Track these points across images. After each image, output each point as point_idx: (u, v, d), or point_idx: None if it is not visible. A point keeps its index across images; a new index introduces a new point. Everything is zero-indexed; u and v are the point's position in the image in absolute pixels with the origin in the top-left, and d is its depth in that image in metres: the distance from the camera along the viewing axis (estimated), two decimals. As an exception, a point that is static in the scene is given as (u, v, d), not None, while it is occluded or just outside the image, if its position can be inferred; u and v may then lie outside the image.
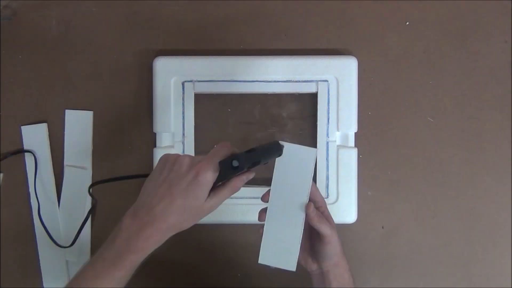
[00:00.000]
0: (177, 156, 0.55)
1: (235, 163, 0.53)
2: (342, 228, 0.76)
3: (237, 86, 0.74)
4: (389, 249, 0.76)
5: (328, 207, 0.73)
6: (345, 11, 0.76)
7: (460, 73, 0.76)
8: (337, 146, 0.74)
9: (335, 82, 0.73)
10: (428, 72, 0.76)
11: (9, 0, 0.75)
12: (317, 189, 0.61)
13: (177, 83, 0.74)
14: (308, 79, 0.74)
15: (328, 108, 0.74)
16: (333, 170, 0.74)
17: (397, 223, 0.76)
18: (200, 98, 0.75)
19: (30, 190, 0.75)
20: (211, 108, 0.76)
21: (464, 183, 0.76)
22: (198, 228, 0.72)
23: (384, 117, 0.76)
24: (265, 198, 0.60)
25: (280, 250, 0.60)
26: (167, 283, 0.76)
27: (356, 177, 0.74)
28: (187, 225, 0.56)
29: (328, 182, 0.74)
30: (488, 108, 0.76)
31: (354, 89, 0.74)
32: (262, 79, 0.74)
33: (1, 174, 0.75)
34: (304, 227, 0.59)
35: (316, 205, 0.59)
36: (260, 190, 0.74)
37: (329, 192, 0.74)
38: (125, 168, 0.76)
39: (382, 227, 0.76)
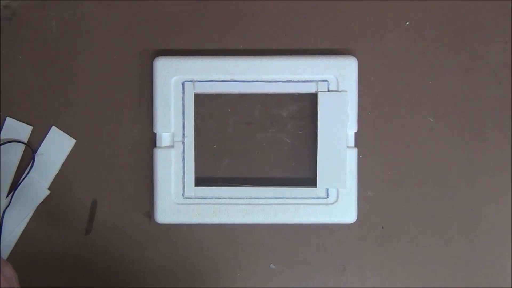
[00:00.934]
0: None
1: None
2: (342, 228, 0.76)
3: (237, 86, 0.74)
4: (389, 249, 0.76)
5: (328, 207, 0.74)
6: (345, 11, 0.76)
7: (460, 73, 0.76)
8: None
9: (335, 82, 0.74)
10: (428, 72, 0.76)
11: (9, 0, 0.75)
12: None
13: (177, 83, 0.74)
14: (308, 79, 0.74)
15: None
16: (333, 170, 0.74)
17: (397, 223, 0.76)
18: (200, 98, 0.75)
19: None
20: (211, 108, 0.76)
21: (464, 183, 0.76)
22: (198, 228, 0.73)
23: (384, 117, 0.76)
24: None
25: None
26: (167, 283, 0.76)
27: (356, 177, 0.74)
28: None
29: (328, 182, 0.74)
30: (488, 108, 0.76)
31: (354, 89, 0.74)
32: (262, 79, 0.74)
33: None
34: None
35: None
36: (260, 190, 0.74)
37: (329, 192, 0.74)
38: (125, 168, 0.76)
39: (382, 227, 0.76)
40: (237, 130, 0.76)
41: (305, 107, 0.76)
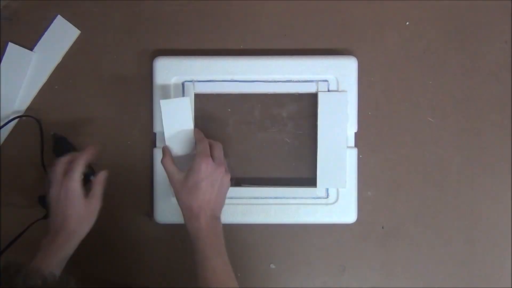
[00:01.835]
0: (52, 169, 0.66)
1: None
2: (342, 228, 0.76)
3: (237, 86, 0.74)
4: (389, 249, 0.76)
5: (328, 207, 0.74)
6: (345, 11, 0.76)
7: (460, 73, 0.76)
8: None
9: (335, 82, 0.74)
10: (428, 72, 0.76)
11: (9, 0, 0.75)
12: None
13: (177, 83, 0.74)
14: (308, 79, 0.74)
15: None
16: (333, 170, 0.74)
17: (397, 223, 0.76)
18: (200, 98, 0.75)
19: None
20: (211, 108, 0.76)
21: (464, 183, 0.76)
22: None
23: (384, 117, 0.76)
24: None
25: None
26: (167, 283, 0.76)
27: (356, 177, 0.74)
28: (84, 228, 0.66)
29: (328, 182, 0.74)
30: (488, 108, 0.76)
31: (354, 89, 0.74)
32: (262, 79, 0.74)
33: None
34: None
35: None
36: (260, 190, 0.74)
37: (329, 192, 0.74)
38: (125, 168, 0.76)
39: (382, 227, 0.76)
40: (237, 130, 0.76)
41: (305, 107, 0.76)
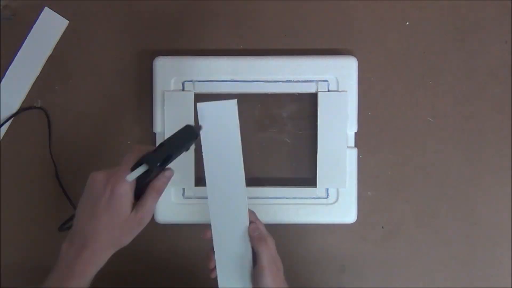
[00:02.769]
0: (93, 175, 0.54)
1: (144, 167, 0.51)
2: (342, 228, 0.76)
3: (237, 86, 0.74)
4: (389, 249, 0.76)
5: (328, 207, 0.74)
6: (345, 11, 0.76)
7: (460, 73, 0.76)
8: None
9: (335, 82, 0.73)
10: (428, 72, 0.76)
11: (9, 0, 0.75)
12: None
13: (177, 83, 0.74)
14: (308, 79, 0.74)
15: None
16: (333, 170, 0.74)
17: (397, 223, 0.76)
18: (200, 98, 0.74)
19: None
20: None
21: (464, 183, 0.76)
22: (198, 228, 0.72)
23: (384, 117, 0.76)
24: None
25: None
26: (167, 283, 0.76)
27: (356, 177, 0.74)
28: (124, 241, 0.55)
29: (328, 182, 0.74)
30: (488, 108, 0.76)
31: (354, 89, 0.74)
32: (262, 79, 0.74)
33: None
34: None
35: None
36: (260, 190, 0.74)
37: (329, 192, 0.74)
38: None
39: (382, 227, 0.76)
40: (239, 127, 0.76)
41: (305, 107, 0.76)
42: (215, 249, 0.59)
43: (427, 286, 0.76)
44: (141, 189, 0.53)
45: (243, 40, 0.76)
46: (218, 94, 0.75)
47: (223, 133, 0.57)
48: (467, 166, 0.76)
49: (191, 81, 0.74)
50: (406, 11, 0.76)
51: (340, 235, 0.76)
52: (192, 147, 0.70)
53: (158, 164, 0.52)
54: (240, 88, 0.74)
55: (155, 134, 0.74)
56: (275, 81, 0.74)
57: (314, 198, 0.74)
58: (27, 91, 0.76)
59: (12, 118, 0.75)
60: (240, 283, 0.60)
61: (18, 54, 0.75)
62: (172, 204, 0.74)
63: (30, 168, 0.76)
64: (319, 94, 0.73)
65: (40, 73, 0.76)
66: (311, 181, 0.74)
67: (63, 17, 0.76)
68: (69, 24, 0.76)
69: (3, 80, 0.75)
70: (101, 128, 0.76)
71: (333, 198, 0.74)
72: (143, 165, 0.51)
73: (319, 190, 0.74)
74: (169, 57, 0.74)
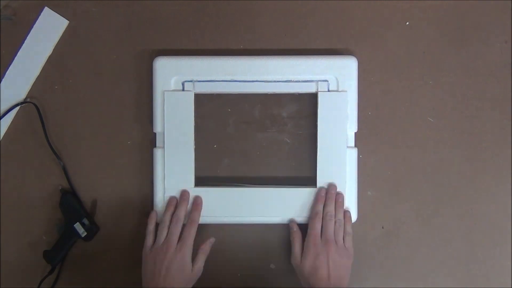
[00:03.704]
0: (162, 250, 0.69)
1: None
2: (342, 228, 0.76)
3: (237, 86, 0.74)
4: (389, 249, 0.76)
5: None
6: (345, 11, 0.76)
7: (460, 73, 0.76)
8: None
9: (335, 82, 0.73)
10: (428, 72, 0.76)
11: (9, 0, 0.75)
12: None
13: (177, 83, 0.74)
14: (308, 79, 0.74)
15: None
16: (333, 170, 0.74)
17: (397, 223, 0.76)
18: (200, 98, 0.75)
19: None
20: (211, 108, 0.76)
21: (464, 183, 0.76)
22: (198, 229, 0.73)
23: (384, 117, 0.76)
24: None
25: None
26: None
27: (356, 177, 0.74)
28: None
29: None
30: (488, 108, 0.76)
31: (354, 89, 0.74)
32: (262, 79, 0.74)
33: None
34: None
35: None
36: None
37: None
38: (125, 168, 0.76)
39: (382, 227, 0.76)
40: (237, 130, 0.76)
41: (305, 107, 0.76)
42: None
43: (427, 286, 0.76)
44: None
45: (243, 40, 0.76)
46: (218, 94, 0.75)
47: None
48: (467, 166, 0.76)
49: (191, 81, 0.74)
50: (406, 11, 0.76)
51: (340, 235, 0.76)
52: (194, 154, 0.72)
53: None
54: (240, 88, 0.74)
55: (155, 134, 0.74)
56: (275, 81, 0.74)
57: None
58: (27, 91, 0.76)
59: (7, 113, 0.75)
60: None
61: (18, 54, 0.75)
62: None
63: (30, 168, 0.76)
64: (319, 94, 0.73)
65: (40, 73, 0.76)
66: (311, 181, 0.74)
67: (63, 17, 0.76)
68: (69, 24, 0.76)
69: (3, 80, 0.75)
70: (100, 128, 0.76)
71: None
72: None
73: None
74: (169, 57, 0.74)
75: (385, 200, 0.76)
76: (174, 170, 0.73)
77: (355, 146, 0.74)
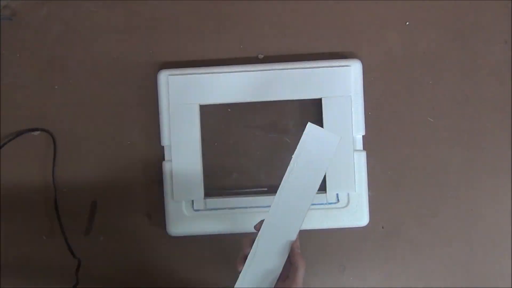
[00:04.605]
0: None
1: None
2: (341, 228, 0.76)
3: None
4: (389, 249, 0.76)
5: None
6: (345, 12, 0.76)
7: (460, 73, 0.76)
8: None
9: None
10: (428, 72, 0.76)
11: (9, 0, 0.75)
12: None
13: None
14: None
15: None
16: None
17: (397, 223, 0.76)
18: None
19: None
20: (213, 111, 0.75)
21: (464, 183, 0.76)
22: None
23: (384, 117, 0.76)
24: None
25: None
26: (167, 283, 0.76)
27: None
28: None
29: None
30: (488, 108, 0.76)
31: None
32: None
33: None
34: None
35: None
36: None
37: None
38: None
39: (382, 227, 0.76)
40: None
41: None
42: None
43: (427, 286, 0.76)
44: None
45: (243, 40, 0.76)
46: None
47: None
48: (467, 166, 0.76)
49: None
50: (406, 11, 0.76)
51: (340, 235, 0.76)
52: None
53: None
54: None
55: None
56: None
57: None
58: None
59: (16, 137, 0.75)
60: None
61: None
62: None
63: (30, 168, 0.76)
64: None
65: (40, 73, 0.76)
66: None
67: (63, 17, 0.76)
68: (69, 24, 0.76)
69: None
70: (101, 129, 0.76)
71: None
72: None
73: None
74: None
75: (385, 200, 0.76)
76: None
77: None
